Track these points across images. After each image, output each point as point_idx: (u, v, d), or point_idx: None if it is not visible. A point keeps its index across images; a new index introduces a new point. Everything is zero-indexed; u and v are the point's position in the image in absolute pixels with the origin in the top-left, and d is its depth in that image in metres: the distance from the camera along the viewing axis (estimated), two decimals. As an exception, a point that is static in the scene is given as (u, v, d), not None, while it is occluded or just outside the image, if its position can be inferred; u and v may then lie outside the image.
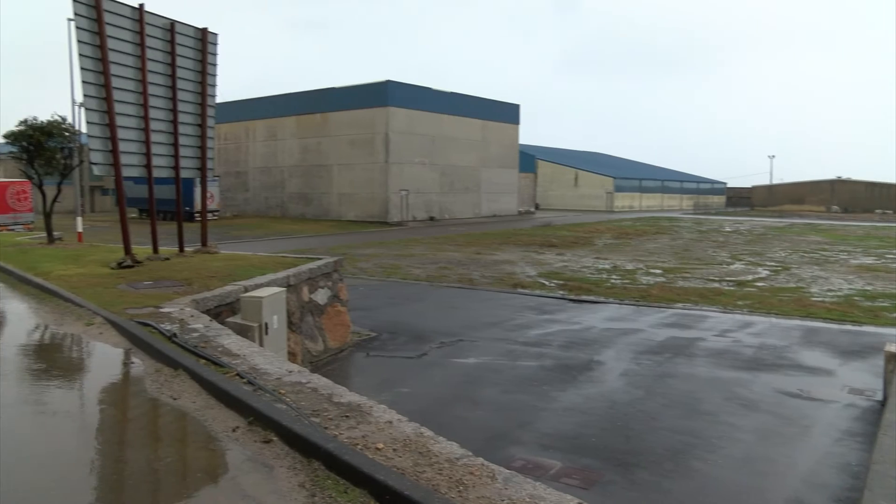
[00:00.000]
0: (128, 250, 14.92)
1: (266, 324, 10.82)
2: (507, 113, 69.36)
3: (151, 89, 15.38)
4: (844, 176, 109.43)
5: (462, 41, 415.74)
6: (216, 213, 53.79)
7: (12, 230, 33.20)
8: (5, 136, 20.90)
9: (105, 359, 8.41)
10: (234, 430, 5.65)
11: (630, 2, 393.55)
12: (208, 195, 21.11)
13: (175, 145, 16.17)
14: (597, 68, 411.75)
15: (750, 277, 26.23)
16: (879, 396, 11.52)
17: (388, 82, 55.59)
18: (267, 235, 41.91)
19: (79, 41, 13.99)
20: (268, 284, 12.25)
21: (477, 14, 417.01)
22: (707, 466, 8.86)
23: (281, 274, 13.34)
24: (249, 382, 6.43)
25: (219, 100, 18.34)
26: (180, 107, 16.17)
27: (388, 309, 19.03)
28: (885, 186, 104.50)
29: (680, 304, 20.26)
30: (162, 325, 8.79)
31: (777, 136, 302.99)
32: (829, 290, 23.07)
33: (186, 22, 16.35)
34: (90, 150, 14.40)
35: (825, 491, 8.29)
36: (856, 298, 21.50)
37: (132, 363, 7.92)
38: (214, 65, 17.25)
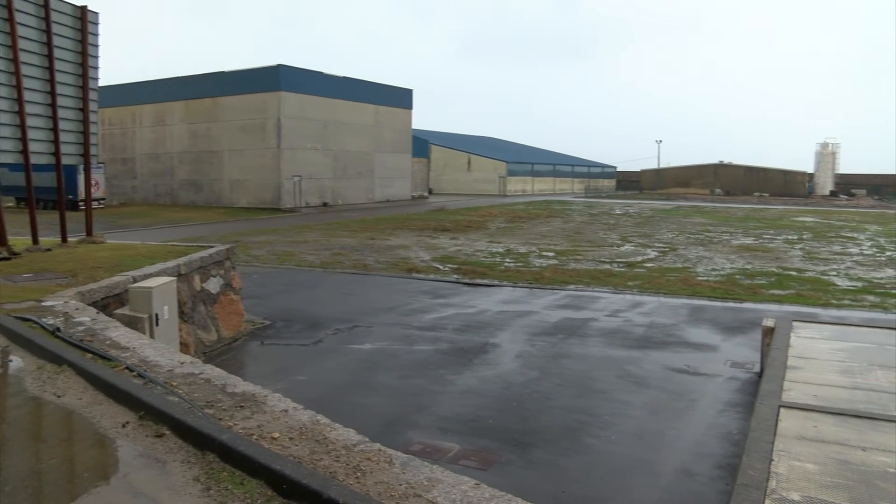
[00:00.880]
0: (3, 241, 14.20)
1: (156, 315, 10.52)
2: (400, 98, 69.18)
3: (25, 70, 14.56)
4: (726, 161, 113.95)
5: (356, 26, 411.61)
6: (102, 202, 51.70)
7: None
8: None
9: (-20, 357, 8.00)
10: (123, 426, 5.47)
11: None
12: (93, 182, 20.21)
13: (55, 130, 15.41)
14: (491, 55, 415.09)
15: (639, 258, 27.08)
16: (757, 368, 12.12)
17: (279, 66, 54.56)
18: (156, 224, 40.65)
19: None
20: (157, 274, 11.90)
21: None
22: (601, 443, 9.14)
23: (171, 263, 12.98)
24: (140, 375, 6.25)
25: (103, 83, 17.61)
26: (59, 89, 15.42)
27: (282, 296, 18.79)
28: (762, 171, 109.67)
29: (572, 286, 20.73)
30: (44, 320, 8.40)
31: (664, 121, 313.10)
32: (713, 270, 24.05)
33: (65, -1, 15.61)
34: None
35: (710, 459, 8.68)
36: (737, 277, 22.49)
37: (10, 361, 7.50)
38: (96, 45, 16.50)
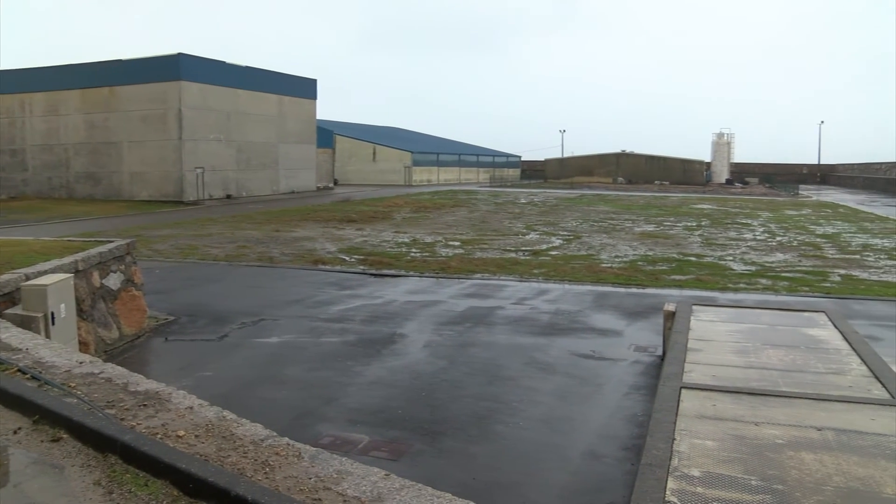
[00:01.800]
0: None
1: (52, 313, 10.14)
2: (305, 88, 68.31)
3: None
4: (628, 150, 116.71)
5: (257, 16, 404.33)
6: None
7: None
8: None
9: None
10: (15, 433, 5.22)
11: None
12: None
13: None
14: (394, 45, 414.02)
15: (544, 247, 27.52)
16: (660, 352, 12.49)
17: (179, 55, 53.09)
18: (51, 219, 39.07)
19: None
20: (53, 271, 11.46)
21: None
22: (510, 429, 9.26)
23: (67, 259, 12.51)
24: (34, 378, 6.01)
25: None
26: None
27: (186, 291, 18.37)
28: (663, 160, 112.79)
29: (479, 275, 20.92)
30: (-72, 322, 8.01)
31: (568, 111, 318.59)
32: (617, 257, 24.64)
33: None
34: None
35: (616, 442, 8.91)
36: (639, 263, 23.11)
37: None
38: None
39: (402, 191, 74.16)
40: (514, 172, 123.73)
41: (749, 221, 39.58)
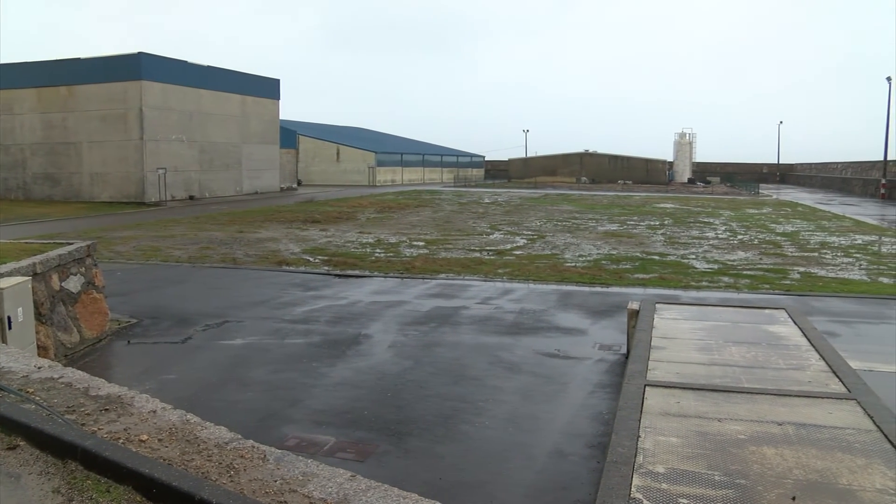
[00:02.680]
0: None
1: (8, 317, 9.96)
2: (267, 88, 67.83)
3: None
4: (592, 150, 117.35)
5: (218, 15, 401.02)
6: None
7: None
8: None
9: None
10: (-31, 441, 5.11)
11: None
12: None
13: None
14: (357, 46, 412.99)
15: (509, 246, 27.60)
16: (624, 350, 12.60)
17: (140, 54, 52.39)
18: (7, 221, 38.35)
19: None
20: (9, 274, 11.25)
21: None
22: (475, 429, 9.28)
23: (25, 262, 12.28)
24: (-10, 383, 5.89)
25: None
26: None
27: (148, 293, 18.15)
28: (626, 159, 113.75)
29: (443, 275, 20.93)
30: None
31: (531, 111, 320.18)
32: (581, 256, 24.79)
33: None
34: None
35: (581, 439, 8.97)
36: (603, 262, 23.28)
37: None
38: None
39: (366, 191, 73.98)
40: (477, 172, 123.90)
41: (711, 220, 40.06)
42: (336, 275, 21.07)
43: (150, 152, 52.88)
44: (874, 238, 31.23)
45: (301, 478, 4.24)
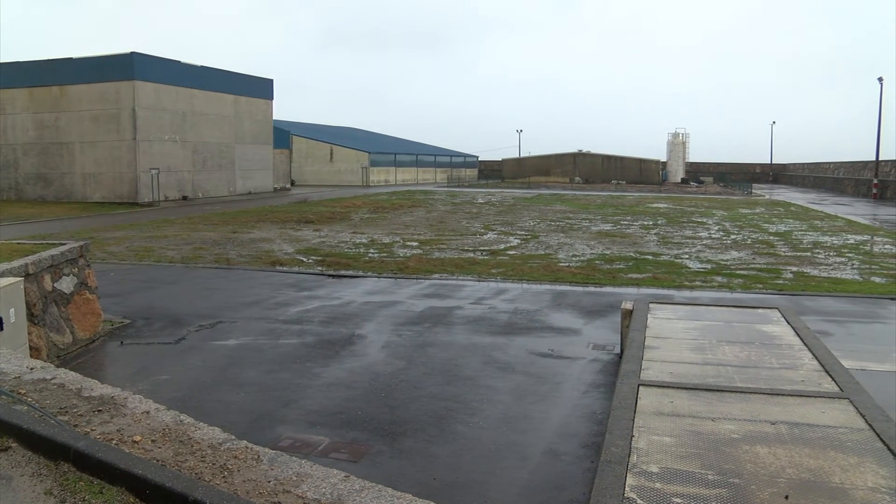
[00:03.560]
0: None
1: (0, 318, 9.93)
2: (261, 88, 67.74)
3: None
4: (585, 150, 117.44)
5: (213, 16, 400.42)
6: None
7: None
8: None
9: None
10: (-40, 443, 5.08)
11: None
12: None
13: None
14: (351, 46, 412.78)
15: (502, 246, 27.61)
16: (618, 350, 12.62)
17: (133, 54, 52.25)
18: (-1, 221, 38.31)
19: None
20: (1, 275, 11.22)
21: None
22: (469, 429, 9.28)
23: (17, 262, 12.24)
24: (-18, 385, 5.86)
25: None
26: None
27: (142, 294, 18.10)
28: (619, 159, 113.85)
29: (437, 275, 20.93)
30: None
31: (525, 111, 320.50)
32: (574, 256, 24.82)
33: None
34: None
35: (575, 439, 8.98)
36: (597, 262, 23.30)
37: None
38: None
39: (360, 191, 73.94)
40: (471, 172, 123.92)
41: (704, 220, 40.14)
42: (330, 275, 21.05)
43: (143, 152, 52.78)
44: (866, 238, 31.33)
45: (295, 478, 4.24)
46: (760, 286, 19.11)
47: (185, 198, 56.46)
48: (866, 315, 15.92)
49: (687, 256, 24.70)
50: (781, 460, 5.95)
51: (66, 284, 13.67)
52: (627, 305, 12.51)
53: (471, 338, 13.89)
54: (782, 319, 11.64)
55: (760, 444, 6.30)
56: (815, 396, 7.68)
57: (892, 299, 17.52)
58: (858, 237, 31.42)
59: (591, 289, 19.08)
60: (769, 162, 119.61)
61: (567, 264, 22.86)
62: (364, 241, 29.22)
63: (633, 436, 6.49)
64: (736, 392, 7.82)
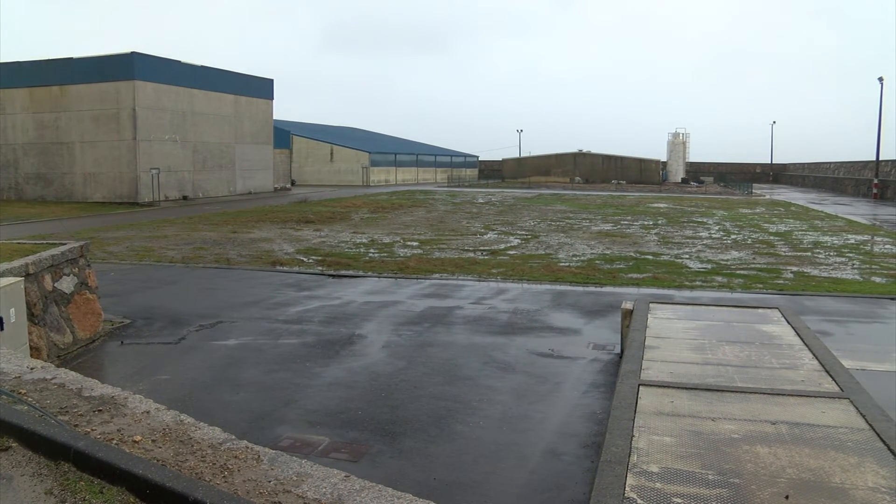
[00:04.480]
0: None
1: (1, 318, 9.92)
2: (261, 88, 67.73)
3: None
4: (585, 149, 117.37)
5: (214, 16, 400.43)
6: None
7: None
8: None
9: None
10: (-40, 443, 5.07)
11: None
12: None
13: None
14: (352, 46, 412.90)
15: (502, 246, 27.61)
16: (618, 350, 12.61)
17: (133, 54, 52.25)
18: (-1, 221, 38.31)
19: None
20: (2, 274, 11.22)
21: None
22: (469, 429, 9.27)
23: (17, 262, 12.24)
24: (-18, 385, 5.86)
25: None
26: None
27: (142, 293, 18.10)
28: (619, 159, 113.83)
29: (437, 275, 20.92)
30: None
31: (525, 111, 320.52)
32: (574, 256, 24.81)
33: None
34: None
35: (575, 439, 8.98)
36: (597, 262, 23.29)
37: None
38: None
39: (360, 191, 73.94)
40: (471, 172, 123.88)
41: (704, 220, 40.13)
42: (330, 275, 21.05)
43: (143, 152, 52.79)
44: (866, 238, 31.34)
45: (295, 478, 4.24)
46: (761, 286, 19.11)
47: (185, 198, 56.47)
48: (866, 315, 15.92)
49: (687, 256, 24.70)
50: (782, 460, 5.95)
51: (67, 284, 13.68)
52: (627, 305, 12.51)
53: (471, 338, 13.89)
54: (782, 319, 11.64)
55: (761, 444, 6.30)
56: (815, 396, 7.68)
57: (892, 299, 17.52)
58: (858, 237, 31.43)
59: (592, 289, 19.07)
60: (769, 162, 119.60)
61: (567, 264, 22.85)
62: (364, 240, 29.22)
63: (633, 436, 6.49)
64: (736, 392, 7.82)
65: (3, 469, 4.60)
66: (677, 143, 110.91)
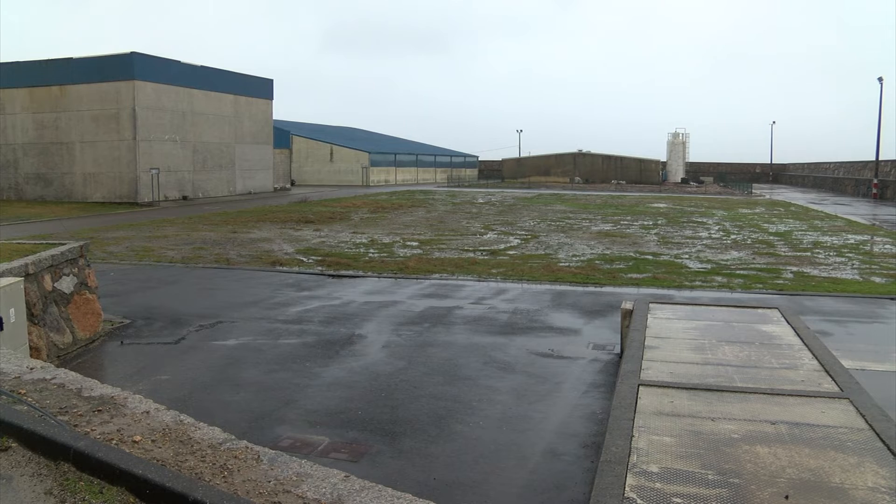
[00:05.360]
0: None
1: (0, 318, 9.92)
2: (261, 88, 67.72)
3: None
4: (585, 149, 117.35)
5: (214, 17, 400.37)
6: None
7: None
8: None
9: None
10: (-40, 443, 5.06)
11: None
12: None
13: None
14: (352, 46, 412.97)
15: (502, 246, 27.60)
16: (618, 350, 12.62)
17: (133, 54, 52.25)
18: (-1, 221, 38.29)
19: None
20: (1, 275, 11.21)
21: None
22: (468, 429, 9.27)
23: (17, 262, 12.24)
24: (-19, 385, 5.85)
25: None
26: None
27: (141, 293, 18.10)
28: (619, 159, 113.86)
29: (437, 275, 20.92)
30: None
31: (525, 111, 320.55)
32: (574, 256, 24.81)
33: None
34: None
35: (575, 439, 8.98)
36: (597, 262, 23.29)
37: None
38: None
39: (360, 191, 73.94)
40: (471, 172, 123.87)
41: (704, 220, 40.13)
42: (330, 275, 21.05)
43: (143, 152, 52.79)
44: (866, 238, 31.34)
45: (295, 478, 4.24)
46: (760, 286, 19.11)
47: (185, 198, 56.47)
48: (866, 315, 15.92)
49: (687, 256, 24.70)
50: (781, 460, 5.95)
51: (66, 284, 13.67)
52: (627, 305, 12.51)
53: (471, 338, 13.89)
54: (782, 319, 11.64)
55: (760, 444, 6.30)
56: (815, 396, 7.68)
57: (892, 299, 17.53)
58: (858, 237, 31.43)
59: (591, 289, 19.07)
60: (769, 162, 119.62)
61: (567, 264, 22.85)
62: (364, 240, 29.21)
63: (633, 436, 6.49)
64: (736, 392, 7.82)
65: (3, 469, 4.60)
66: (677, 143, 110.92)
